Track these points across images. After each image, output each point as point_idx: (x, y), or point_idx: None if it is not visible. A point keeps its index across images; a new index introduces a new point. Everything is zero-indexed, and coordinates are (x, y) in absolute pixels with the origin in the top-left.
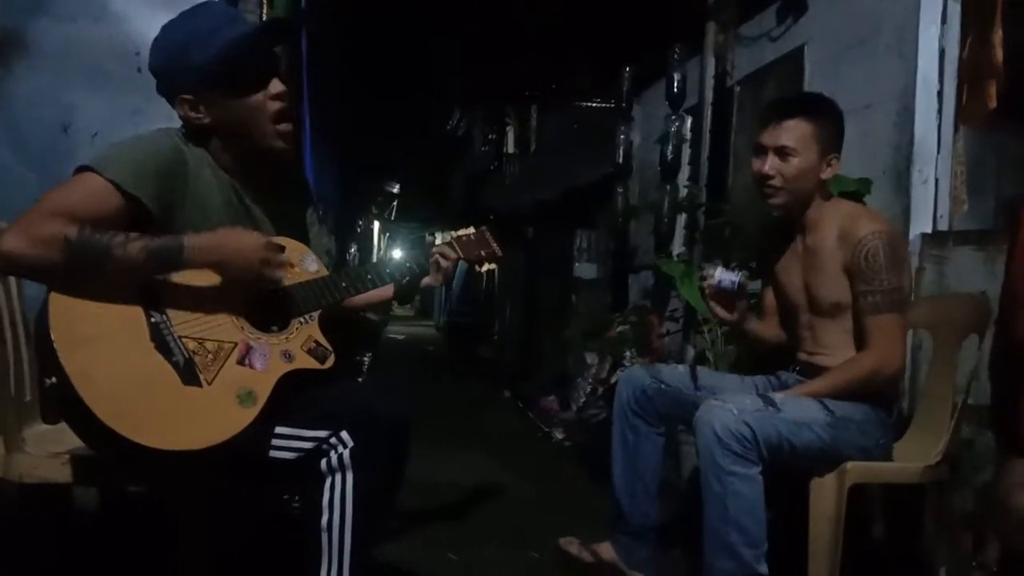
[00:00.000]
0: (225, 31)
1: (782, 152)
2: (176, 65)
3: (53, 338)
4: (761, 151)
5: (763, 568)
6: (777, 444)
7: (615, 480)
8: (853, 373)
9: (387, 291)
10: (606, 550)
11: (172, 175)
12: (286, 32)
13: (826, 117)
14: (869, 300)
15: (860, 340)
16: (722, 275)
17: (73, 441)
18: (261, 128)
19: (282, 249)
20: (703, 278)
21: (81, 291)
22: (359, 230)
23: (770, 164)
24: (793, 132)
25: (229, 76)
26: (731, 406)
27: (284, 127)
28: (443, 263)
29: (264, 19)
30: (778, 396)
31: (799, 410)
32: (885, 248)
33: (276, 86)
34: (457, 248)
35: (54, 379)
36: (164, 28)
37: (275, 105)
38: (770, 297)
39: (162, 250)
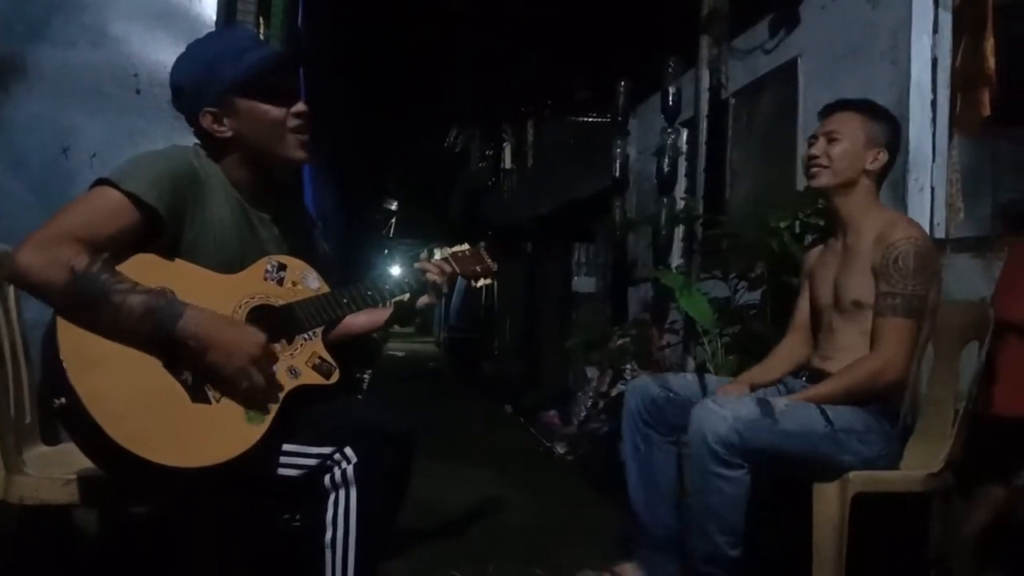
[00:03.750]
0: (254, 50)
1: (830, 136)
2: (203, 79)
3: (62, 359)
4: (814, 139)
5: (735, 552)
6: (768, 451)
7: (632, 494)
8: (855, 375)
9: (383, 315)
10: (630, 571)
11: (185, 189)
12: (305, 61)
13: (874, 114)
14: (888, 302)
15: (871, 340)
16: None
17: (74, 462)
18: (283, 140)
19: (274, 358)
20: None
21: (78, 318)
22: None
23: (819, 146)
24: (841, 119)
25: (257, 89)
26: (727, 412)
27: (303, 138)
28: (436, 279)
29: (263, 37)
30: (779, 404)
31: (797, 421)
32: (915, 254)
33: (300, 106)
34: (453, 264)
35: (63, 399)
36: (190, 47)
37: (296, 122)
38: (803, 310)
39: (160, 311)
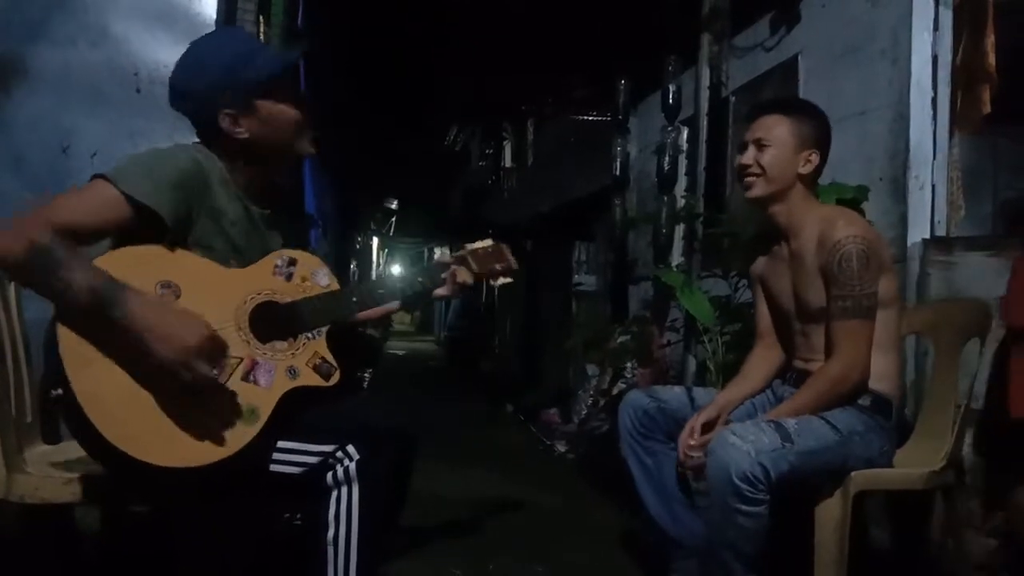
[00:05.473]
0: (263, 53)
1: (759, 143)
2: (221, 82)
3: (62, 356)
4: (743, 147)
5: (750, 574)
6: (789, 475)
7: (650, 510)
8: (821, 383)
9: (393, 304)
10: None
11: (190, 188)
12: (305, 58)
13: (801, 114)
14: (839, 305)
15: (828, 345)
16: None
17: (75, 461)
18: (299, 138)
19: (224, 350)
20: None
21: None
22: (358, 246)
23: (748, 155)
24: (768, 125)
25: (274, 90)
26: (748, 447)
27: (314, 134)
28: (468, 281)
29: (264, 36)
30: (791, 424)
31: (812, 438)
32: (859, 253)
33: (304, 105)
34: (472, 262)
35: (60, 390)
36: (196, 51)
37: (305, 120)
38: (764, 315)
39: (104, 290)
